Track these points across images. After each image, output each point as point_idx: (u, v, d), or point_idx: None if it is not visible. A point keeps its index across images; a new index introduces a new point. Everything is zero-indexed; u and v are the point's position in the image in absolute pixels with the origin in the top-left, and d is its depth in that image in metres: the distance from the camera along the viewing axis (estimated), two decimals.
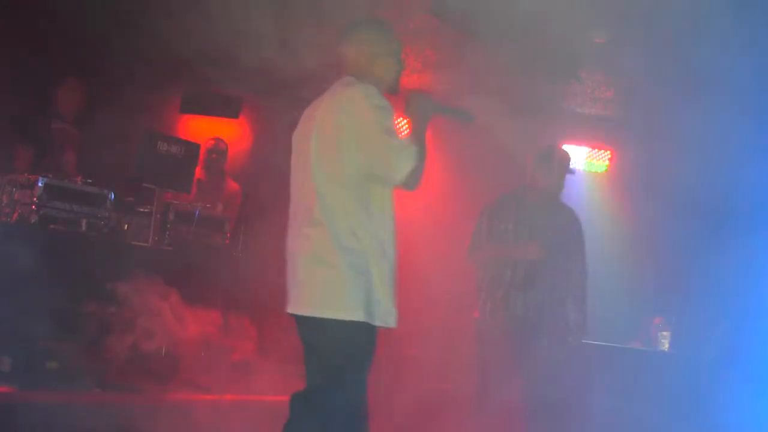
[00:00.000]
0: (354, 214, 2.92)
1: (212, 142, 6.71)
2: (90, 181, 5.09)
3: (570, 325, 4.77)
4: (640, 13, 4.64)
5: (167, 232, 5.44)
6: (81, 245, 4.91)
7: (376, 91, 2.93)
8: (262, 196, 6.62)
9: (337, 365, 2.91)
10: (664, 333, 5.99)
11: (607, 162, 7.72)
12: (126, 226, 5.29)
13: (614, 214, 7.35)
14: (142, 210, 5.42)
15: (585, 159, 7.73)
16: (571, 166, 4.87)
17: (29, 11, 5.85)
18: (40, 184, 4.77)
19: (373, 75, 3.05)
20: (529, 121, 5.68)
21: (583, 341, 4.97)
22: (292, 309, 3.00)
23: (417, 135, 3.00)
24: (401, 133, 2.95)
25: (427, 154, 2.96)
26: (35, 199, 4.76)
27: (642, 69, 5.23)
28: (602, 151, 7.70)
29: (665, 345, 5.94)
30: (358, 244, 2.91)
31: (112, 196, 5.11)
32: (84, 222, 5.00)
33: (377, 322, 2.94)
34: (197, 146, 6.03)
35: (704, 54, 4.63)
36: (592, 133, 7.56)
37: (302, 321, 2.99)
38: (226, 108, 7.40)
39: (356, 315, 2.89)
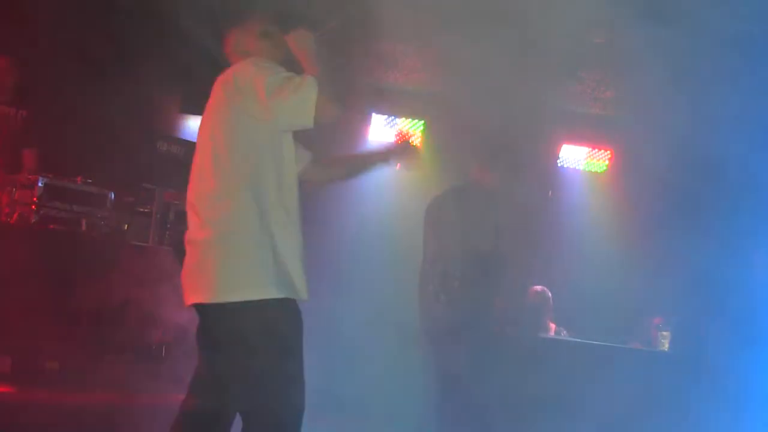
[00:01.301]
0: (253, 186, 2.76)
1: None
2: (90, 181, 5.09)
3: (509, 317, 4.82)
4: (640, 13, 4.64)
5: (167, 232, 5.43)
6: (81, 245, 4.91)
7: (255, 59, 2.88)
8: None
9: (256, 356, 2.68)
10: (664, 333, 5.98)
11: (607, 162, 7.72)
12: (126, 226, 5.28)
13: (614, 214, 7.36)
14: (142, 210, 5.41)
15: (585, 159, 7.74)
16: (519, 164, 4.83)
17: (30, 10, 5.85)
18: (40, 184, 4.78)
19: (260, 53, 2.98)
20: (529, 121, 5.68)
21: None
22: (190, 299, 2.79)
23: (311, 71, 2.82)
24: (300, 77, 2.78)
25: (331, 82, 2.78)
26: (35, 199, 4.76)
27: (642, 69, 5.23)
28: (602, 151, 7.71)
29: (665, 345, 5.94)
30: (261, 217, 2.74)
31: (112, 196, 5.11)
32: (84, 222, 5.00)
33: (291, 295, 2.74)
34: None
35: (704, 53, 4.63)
36: (592, 133, 7.57)
37: (204, 311, 2.80)
38: None
39: (266, 292, 2.69)
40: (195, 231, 2.84)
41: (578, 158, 7.74)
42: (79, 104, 5.89)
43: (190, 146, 5.82)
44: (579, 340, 6.04)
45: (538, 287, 6.31)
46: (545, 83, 6.00)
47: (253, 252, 2.73)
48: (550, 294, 6.44)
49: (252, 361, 2.70)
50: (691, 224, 6.11)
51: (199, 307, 2.81)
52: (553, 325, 6.44)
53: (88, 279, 4.68)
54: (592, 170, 7.76)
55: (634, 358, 5.74)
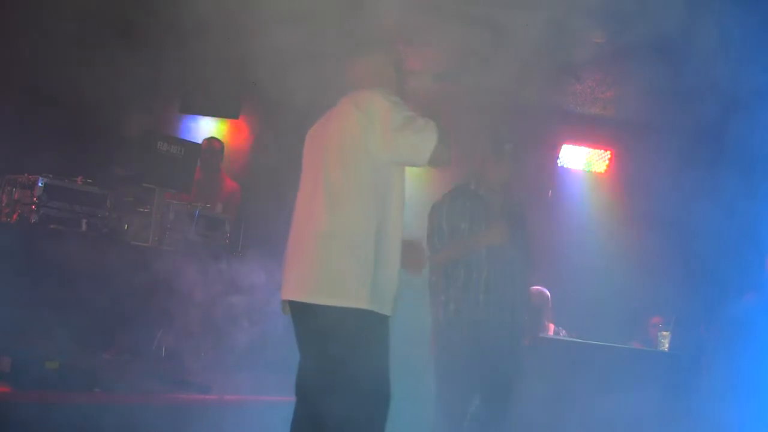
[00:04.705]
0: (361, 204, 2.99)
1: (206, 142, 6.72)
2: (90, 181, 5.09)
3: (523, 325, 4.62)
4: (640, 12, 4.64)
5: (167, 232, 5.44)
6: (81, 245, 4.91)
7: (386, 91, 3.08)
8: (262, 196, 6.63)
9: (339, 356, 2.94)
10: (664, 333, 5.98)
11: (607, 162, 7.73)
12: (126, 226, 5.29)
13: (614, 214, 7.36)
14: (142, 210, 5.42)
15: (585, 159, 7.74)
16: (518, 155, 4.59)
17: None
18: (40, 184, 4.78)
19: (388, 85, 3.20)
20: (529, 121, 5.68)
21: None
22: (293, 296, 3.05)
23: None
24: (423, 118, 3.02)
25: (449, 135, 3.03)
26: (35, 199, 4.77)
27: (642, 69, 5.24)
28: (602, 151, 7.71)
29: (665, 345, 5.93)
30: (364, 233, 2.97)
31: (113, 196, 5.11)
32: (84, 222, 5.00)
33: (383, 310, 2.99)
34: (197, 146, 6.03)
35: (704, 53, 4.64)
36: (592, 133, 7.57)
37: (305, 309, 3.02)
38: (226, 108, 7.40)
39: (360, 302, 2.93)
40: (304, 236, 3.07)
41: (578, 158, 7.75)
42: (79, 104, 5.90)
43: (190, 146, 5.86)
44: (578, 340, 6.04)
45: (538, 287, 6.31)
46: (545, 83, 6.01)
47: (356, 264, 2.97)
48: (549, 294, 6.44)
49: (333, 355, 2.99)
50: (691, 224, 6.11)
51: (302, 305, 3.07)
52: (551, 325, 6.44)
53: (88, 279, 4.68)
54: (592, 170, 7.76)
55: (634, 358, 5.74)
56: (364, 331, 2.95)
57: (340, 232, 2.98)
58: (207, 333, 5.05)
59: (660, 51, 5.07)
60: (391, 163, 3.03)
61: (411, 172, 3.16)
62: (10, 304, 4.26)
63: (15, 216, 4.75)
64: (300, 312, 3.06)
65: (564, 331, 6.47)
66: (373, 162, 3.00)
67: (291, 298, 3.07)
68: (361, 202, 2.99)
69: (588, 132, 7.57)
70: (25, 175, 4.88)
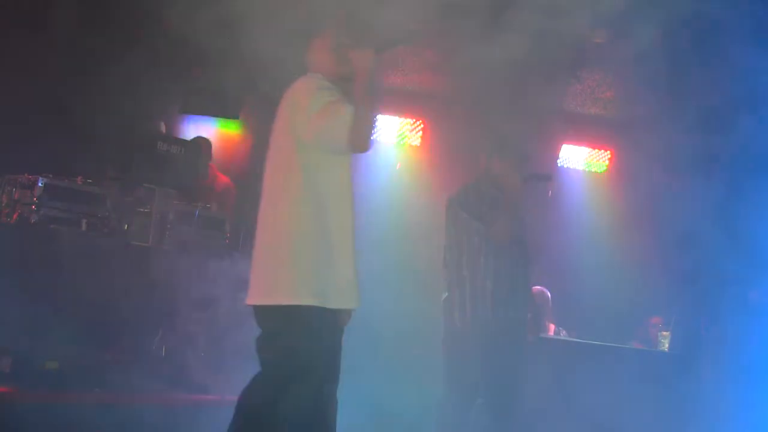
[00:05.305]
0: (304, 198, 3.02)
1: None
2: (90, 181, 5.09)
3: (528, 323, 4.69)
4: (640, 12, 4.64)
5: (167, 232, 5.43)
6: (81, 245, 4.91)
7: (317, 77, 3.11)
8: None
9: (288, 354, 2.99)
10: (664, 333, 5.98)
11: (607, 162, 7.73)
12: (126, 226, 5.28)
13: (614, 214, 7.36)
14: (142, 210, 5.41)
15: (585, 159, 7.74)
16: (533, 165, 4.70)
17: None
18: (40, 184, 4.77)
19: (323, 68, 3.18)
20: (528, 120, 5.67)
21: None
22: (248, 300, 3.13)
23: (359, 94, 3.01)
24: (340, 103, 3.00)
25: (374, 110, 3.01)
26: (35, 199, 4.76)
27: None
28: (602, 151, 7.71)
29: (665, 345, 5.94)
30: (308, 228, 3.00)
31: (113, 196, 5.11)
32: (84, 222, 5.00)
33: (327, 304, 3.01)
34: (197, 146, 6.02)
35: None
36: (592, 133, 7.57)
37: (255, 312, 3.12)
38: (226, 108, 7.40)
39: (297, 299, 2.97)
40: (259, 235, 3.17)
41: (578, 158, 7.75)
42: (79, 104, 5.89)
43: (189, 146, 5.85)
44: (578, 340, 6.04)
45: (538, 287, 6.31)
46: (545, 83, 6.00)
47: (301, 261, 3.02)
48: (549, 294, 6.45)
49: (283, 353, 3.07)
50: (691, 224, 6.11)
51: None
52: (552, 325, 6.44)
53: (88, 279, 4.68)
54: (592, 170, 7.76)
55: (634, 358, 5.74)
56: (305, 326, 2.98)
57: (277, 234, 3.04)
58: (207, 333, 5.04)
59: (660, 51, 5.06)
60: (318, 151, 3.02)
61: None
62: (10, 304, 4.26)
63: (15, 216, 4.75)
64: (254, 315, 3.14)
65: (564, 331, 6.47)
66: (306, 156, 3.02)
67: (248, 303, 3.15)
68: (296, 200, 3.02)
69: (588, 132, 7.56)
70: (25, 175, 4.88)
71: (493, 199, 4.50)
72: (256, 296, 3.10)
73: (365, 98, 2.97)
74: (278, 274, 3.03)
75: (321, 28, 3.27)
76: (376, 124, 3.05)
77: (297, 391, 2.98)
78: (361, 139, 2.94)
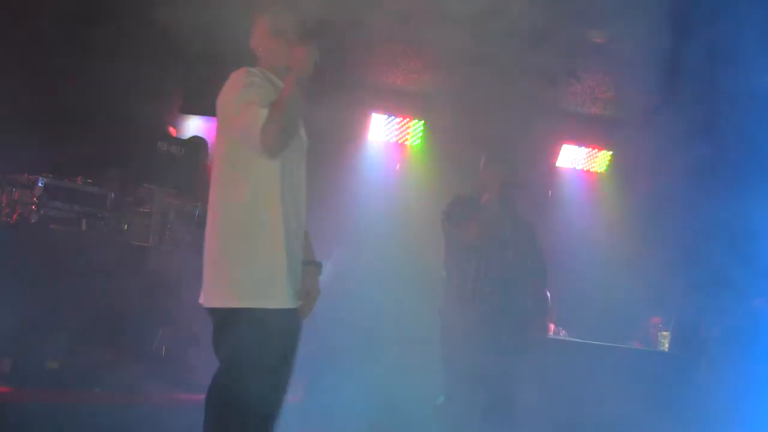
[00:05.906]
0: (242, 196, 2.90)
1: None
2: (90, 181, 5.09)
3: (529, 319, 4.74)
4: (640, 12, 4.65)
5: (167, 232, 5.43)
6: (81, 245, 4.91)
7: (251, 71, 2.98)
8: None
9: (238, 357, 2.97)
10: (664, 333, 5.99)
11: (607, 162, 7.73)
12: (126, 226, 5.28)
13: (614, 214, 7.36)
14: (142, 210, 5.41)
15: (585, 159, 7.74)
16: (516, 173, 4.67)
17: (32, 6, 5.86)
18: (40, 184, 4.78)
19: (265, 59, 3.10)
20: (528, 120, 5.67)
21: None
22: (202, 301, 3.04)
23: (283, 93, 2.88)
24: (258, 105, 2.85)
25: (291, 114, 2.85)
26: (35, 199, 4.76)
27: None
28: (602, 151, 7.71)
29: (665, 345, 5.94)
30: (246, 225, 2.89)
31: (112, 196, 5.11)
32: (84, 222, 5.00)
33: (267, 304, 2.89)
34: (197, 146, 6.02)
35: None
36: (592, 133, 7.57)
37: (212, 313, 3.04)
38: None
39: (234, 302, 2.89)
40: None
41: (578, 158, 7.75)
42: (79, 104, 5.90)
43: (189, 146, 5.85)
44: (578, 340, 6.04)
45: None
46: (545, 83, 6.01)
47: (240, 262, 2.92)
48: (549, 294, 6.44)
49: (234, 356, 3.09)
50: (691, 224, 6.11)
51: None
52: (552, 325, 6.44)
53: (88, 279, 4.68)
54: (592, 170, 7.76)
55: (634, 358, 5.75)
56: (245, 329, 2.92)
57: (214, 235, 2.94)
58: (207, 333, 5.04)
59: (660, 51, 5.07)
60: (246, 147, 2.88)
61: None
62: (10, 304, 4.26)
63: (15, 216, 4.75)
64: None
65: (564, 331, 6.47)
66: (236, 150, 2.91)
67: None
68: (229, 200, 2.92)
69: (588, 132, 7.56)
70: (25, 175, 4.88)
71: (473, 207, 4.58)
72: (206, 297, 3.03)
73: (286, 100, 2.83)
74: (217, 275, 2.94)
75: (260, 13, 3.14)
76: (293, 128, 2.87)
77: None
78: (268, 142, 2.79)
